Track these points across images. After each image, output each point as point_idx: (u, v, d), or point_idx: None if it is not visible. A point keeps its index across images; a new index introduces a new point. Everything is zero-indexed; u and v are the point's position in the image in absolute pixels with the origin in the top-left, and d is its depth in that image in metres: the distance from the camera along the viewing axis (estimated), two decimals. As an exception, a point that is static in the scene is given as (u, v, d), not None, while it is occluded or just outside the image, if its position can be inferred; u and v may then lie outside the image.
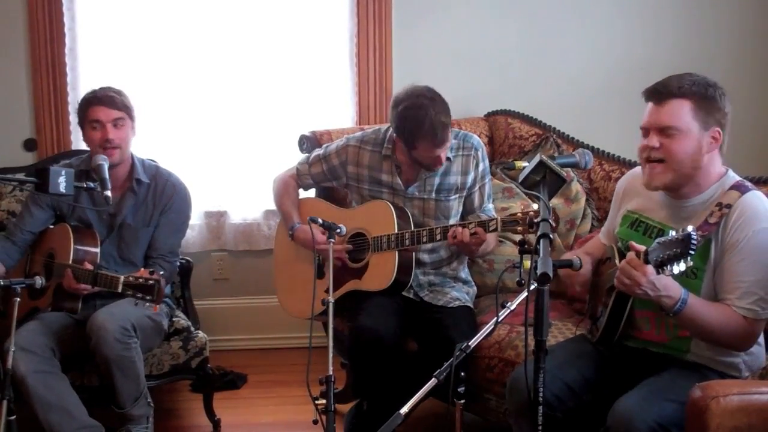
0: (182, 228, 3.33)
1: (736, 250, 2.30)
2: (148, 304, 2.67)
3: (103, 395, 3.11)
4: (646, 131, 2.37)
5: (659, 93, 2.34)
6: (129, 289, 2.69)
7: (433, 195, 3.14)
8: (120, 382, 2.96)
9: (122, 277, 2.72)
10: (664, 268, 2.13)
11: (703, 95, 2.31)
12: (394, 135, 3.08)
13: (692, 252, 2.06)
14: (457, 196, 3.17)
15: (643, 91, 2.39)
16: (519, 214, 2.76)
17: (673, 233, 2.12)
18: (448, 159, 3.12)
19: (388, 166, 3.17)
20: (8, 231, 3.24)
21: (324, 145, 3.37)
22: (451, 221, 3.17)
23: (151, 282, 2.65)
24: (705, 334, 2.32)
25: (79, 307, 3.04)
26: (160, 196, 3.22)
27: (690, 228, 2.08)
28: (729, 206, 2.32)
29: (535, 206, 2.76)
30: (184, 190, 3.30)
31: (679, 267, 2.10)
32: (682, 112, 2.31)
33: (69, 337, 3.06)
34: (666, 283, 2.21)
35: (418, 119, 2.92)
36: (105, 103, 3.11)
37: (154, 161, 3.46)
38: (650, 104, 2.36)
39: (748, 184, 2.40)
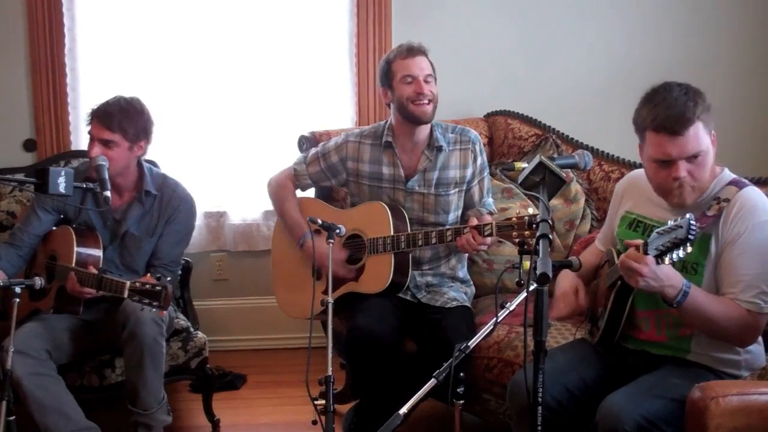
0: (186, 239, 3.31)
1: (736, 243, 2.31)
2: (154, 309, 2.66)
3: (102, 396, 3.13)
4: (668, 163, 2.31)
5: (677, 124, 2.26)
6: (135, 294, 2.66)
7: (433, 190, 3.14)
8: (149, 373, 2.93)
9: (128, 282, 2.69)
10: (664, 257, 2.13)
11: (703, 108, 2.30)
12: (381, 88, 3.16)
13: (692, 237, 2.06)
14: (457, 190, 3.17)
15: (651, 124, 2.30)
16: (514, 219, 2.76)
17: (671, 222, 2.12)
18: (443, 150, 3.13)
19: (389, 158, 3.17)
20: (12, 236, 3.21)
21: (321, 144, 3.36)
22: (451, 216, 3.17)
23: (158, 288, 2.64)
24: (708, 326, 2.32)
25: (81, 309, 3.03)
26: (165, 207, 3.21)
27: (688, 215, 2.09)
28: (727, 200, 2.34)
29: (531, 210, 2.76)
30: (190, 201, 3.28)
31: (679, 254, 2.11)
32: (700, 134, 2.29)
33: (74, 337, 3.05)
34: (668, 273, 2.22)
35: (391, 50, 3.18)
36: (99, 120, 3.06)
37: (156, 165, 3.46)
38: (663, 135, 2.28)
39: (745, 180, 2.42)
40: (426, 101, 3.05)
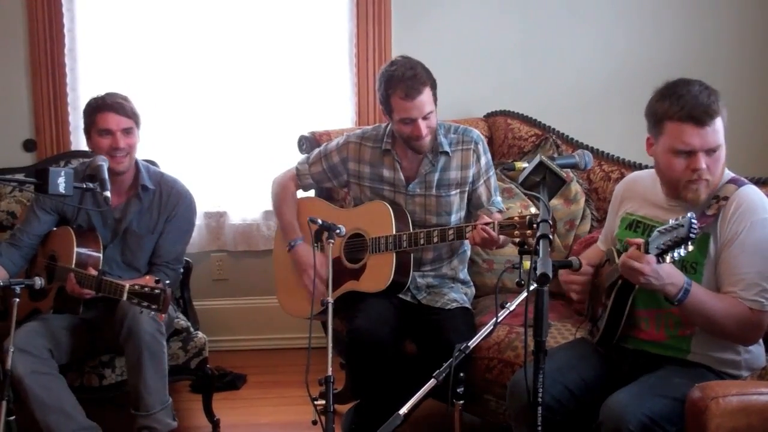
0: (187, 236, 3.31)
1: (735, 242, 2.32)
2: (153, 313, 2.66)
3: (102, 396, 3.13)
4: (688, 154, 2.32)
5: (705, 114, 2.28)
6: (134, 297, 2.66)
7: (434, 191, 3.14)
8: (149, 372, 2.92)
9: (127, 285, 2.69)
10: (665, 256, 2.14)
11: (722, 104, 2.33)
12: (381, 107, 3.10)
13: (693, 236, 2.06)
14: (458, 191, 3.15)
15: (676, 114, 2.30)
16: (516, 218, 2.75)
17: (672, 221, 2.13)
18: (447, 154, 3.12)
19: (390, 162, 3.17)
20: (12, 237, 3.21)
21: (324, 144, 3.36)
22: (453, 217, 3.16)
23: (157, 291, 2.64)
24: (710, 324, 2.32)
25: (81, 309, 3.03)
26: (165, 203, 3.21)
27: (689, 214, 2.09)
28: (726, 198, 2.35)
29: (533, 209, 2.76)
30: (189, 197, 3.28)
31: (680, 253, 2.11)
32: (720, 129, 2.32)
33: (74, 337, 3.05)
34: (669, 271, 2.23)
35: (390, 72, 3.01)
36: (115, 110, 3.07)
37: (156, 165, 3.46)
38: (688, 125, 2.29)
39: (744, 179, 2.43)
40: (424, 138, 3.03)
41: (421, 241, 3.00)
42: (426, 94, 2.97)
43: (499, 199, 3.23)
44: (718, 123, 2.31)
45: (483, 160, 3.16)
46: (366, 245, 3.13)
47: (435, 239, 2.97)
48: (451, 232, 2.95)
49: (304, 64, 4.09)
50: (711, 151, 2.31)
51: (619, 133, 4.01)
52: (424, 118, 2.99)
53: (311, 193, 3.52)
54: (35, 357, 2.89)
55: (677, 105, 2.31)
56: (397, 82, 2.96)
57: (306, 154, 3.40)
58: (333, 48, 4.10)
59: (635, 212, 2.55)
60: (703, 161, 2.31)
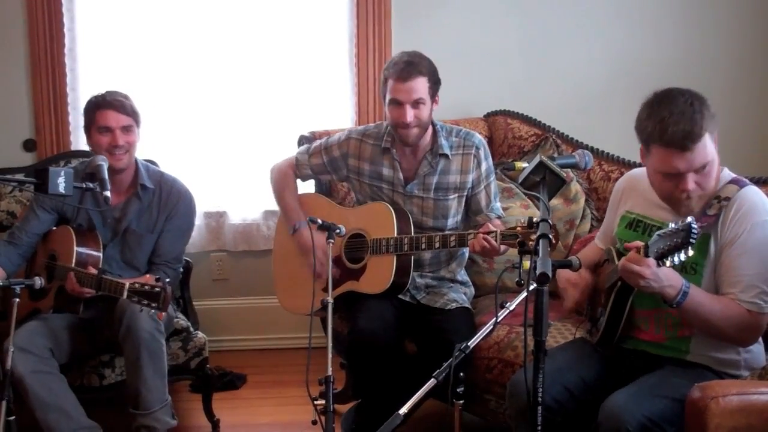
0: (186, 235, 3.31)
1: (735, 243, 2.31)
2: (153, 311, 2.66)
3: (102, 396, 3.13)
4: (676, 175, 2.28)
5: (687, 139, 2.21)
6: (134, 295, 2.66)
7: (432, 194, 3.14)
8: (148, 371, 2.92)
9: (127, 284, 2.70)
10: (665, 259, 2.14)
11: (709, 117, 2.26)
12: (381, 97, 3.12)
13: (693, 241, 2.06)
14: (456, 195, 3.15)
15: (659, 140, 2.24)
16: (518, 228, 2.75)
17: (672, 225, 2.12)
18: (446, 156, 3.12)
19: (389, 161, 3.16)
20: (11, 235, 3.21)
21: (325, 137, 3.36)
22: (450, 221, 3.16)
23: (157, 289, 2.64)
24: (708, 326, 2.32)
25: (81, 308, 3.03)
26: (165, 202, 3.21)
27: (689, 218, 2.09)
28: (727, 199, 2.34)
29: (535, 219, 2.75)
30: (189, 196, 3.28)
31: (680, 257, 2.11)
32: (708, 145, 2.26)
33: (74, 337, 3.05)
34: (668, 274, 2.22)
35: (393, 57, 3.07)
36: (115, 108, 3.08)
37: (156, 164, 3.46)
38: (672, 150, 2.24)
39: (745, 179, 2.41)
40: (410, 127, 3.02)
41: (423, 246, 2.99)
42: (419, 82, 2.97)
43: (498, 205, 3.23)
44: (705, 140, 2.24)
45: (484, 166, 3.16)
46: (366, 246, 3.13)
47: (437, 244, 2.97)
48: (453, 238, 2.94)
49: (304, 63, 4.09)
50: (700, 169, 2.27)
51: (619, 133, 3.96)
52: (414, 106, 2.98)
53: (312, 189, 3.52)
54: (36, 356, 2.89)
55: (660, 128, 2.24)
56: (394, 65, 3.00)
57: (306, 145, 3.39)
58: (333, 48, 4.10)
59: (635, 211, 2.55)
60: (691, 181, 2.27)
